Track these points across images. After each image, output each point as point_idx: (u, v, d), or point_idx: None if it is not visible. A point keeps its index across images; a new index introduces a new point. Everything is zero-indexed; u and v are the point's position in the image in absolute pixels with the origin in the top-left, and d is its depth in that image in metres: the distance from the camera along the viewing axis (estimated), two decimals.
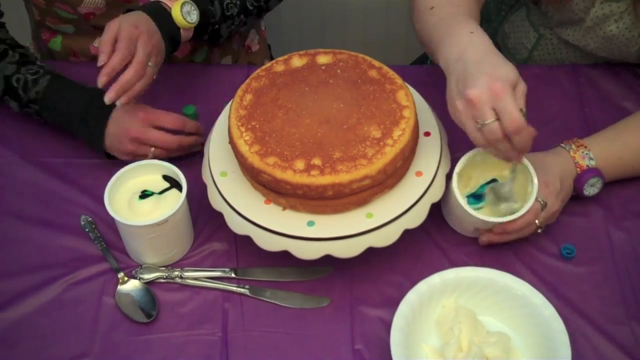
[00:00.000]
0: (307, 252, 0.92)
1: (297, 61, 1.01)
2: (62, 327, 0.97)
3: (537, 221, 0.98)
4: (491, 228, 0.99)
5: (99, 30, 1.23)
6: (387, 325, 0.91)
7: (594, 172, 1.02)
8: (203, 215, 1.06)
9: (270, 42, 1.51)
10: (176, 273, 1.01)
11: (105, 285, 1.01)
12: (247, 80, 0.99)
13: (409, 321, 0.91)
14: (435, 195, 0.95)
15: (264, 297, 0.99)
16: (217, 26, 1.18)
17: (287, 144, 0.92)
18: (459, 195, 0.96)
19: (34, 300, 0.99)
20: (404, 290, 0.94)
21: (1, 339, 0.96)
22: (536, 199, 0.96)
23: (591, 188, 1.03)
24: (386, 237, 0.92)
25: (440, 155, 0.97)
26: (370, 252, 0.92)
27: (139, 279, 1.00)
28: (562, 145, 1.04)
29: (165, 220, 0.96)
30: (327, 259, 0.93)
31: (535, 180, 0.95)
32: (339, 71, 0.99)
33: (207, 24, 1.16)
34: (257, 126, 0.94)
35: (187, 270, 1.01)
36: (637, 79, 1.22)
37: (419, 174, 0.95)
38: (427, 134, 0.99)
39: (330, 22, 1.99)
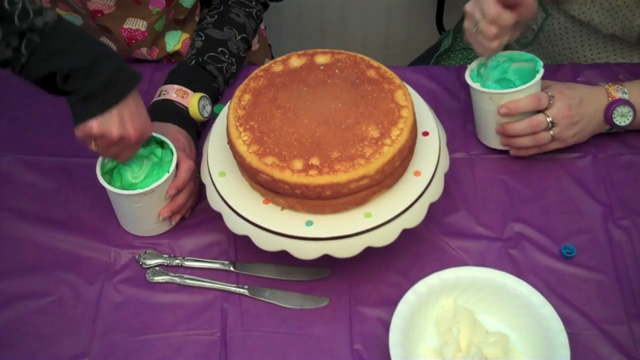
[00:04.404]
0: (306, 252, 0.92)
1: (295, 61, 1.01)
2: (61, 327, 0.97)
3: (547, 116, 1.02)
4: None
5: (105, 31, 1.23)
6: (386, 325, 0.91)
7: (624, 101, 1.05)
8: (202, 215, 1.07)
9: (270, 42, 1.51)
10: (177, 261, 1.02)
11: (105, 285, 1.01)
12: (246, 81, 0.99)
13: (408, 321, 0.91)
14: (433, 194, 0.95)
15: (262, 297, 0.99)
16: (221, 90, 1.20)
17: (286, 143, 0.92)
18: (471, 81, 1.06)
19: (33, 300, 1.00)
20: (402, 290, 0.94)
21: (1, 339, 0.96)
22: (543, 91, 1.04)
23: (622, 118, 1.04)
24: (385, 237, 0.92)
25: (439, 155, 0.97)
26: (369, 251, 0.92)
27: (142, 264, 1.03)
28: (601, 83, 1.10)
29: (152, 190, 0.97)
30: (326, 259, 0.92)
31: (541, 69, 1.04)
32: (337, 71, 0.99)
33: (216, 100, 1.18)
34: (256, 126, 0.94)
35: (188, 260, 1.03)
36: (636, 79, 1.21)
37: (417, 173, 0.95)
38: (425, 133, 0.99)
39: (330, 22, 1.98)
